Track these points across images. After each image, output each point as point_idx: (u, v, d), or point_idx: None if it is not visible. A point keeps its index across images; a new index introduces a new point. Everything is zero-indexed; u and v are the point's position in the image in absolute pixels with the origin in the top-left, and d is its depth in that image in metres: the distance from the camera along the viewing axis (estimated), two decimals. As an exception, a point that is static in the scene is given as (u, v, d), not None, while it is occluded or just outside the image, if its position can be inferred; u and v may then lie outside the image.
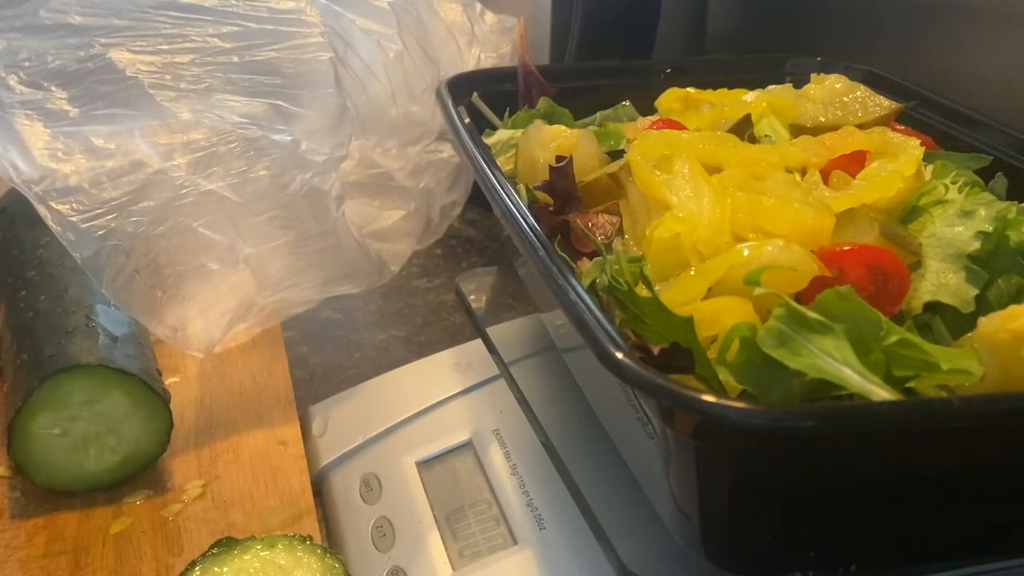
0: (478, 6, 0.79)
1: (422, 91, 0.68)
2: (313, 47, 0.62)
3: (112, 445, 0.54)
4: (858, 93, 0.59)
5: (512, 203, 0.46)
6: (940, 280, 0.41)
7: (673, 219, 0.42)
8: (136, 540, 0.51)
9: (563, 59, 0.84)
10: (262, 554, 0.46)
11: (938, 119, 0.59)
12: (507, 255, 0.86)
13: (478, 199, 0.70)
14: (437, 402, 0.59)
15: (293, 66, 0.61)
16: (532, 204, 0.48)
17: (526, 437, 0.54)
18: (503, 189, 0.47)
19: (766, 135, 0.55)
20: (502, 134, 0.59)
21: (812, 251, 0.40)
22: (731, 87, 0.63)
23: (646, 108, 0.63)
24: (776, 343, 0.34)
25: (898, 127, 0.55)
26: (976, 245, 0.41)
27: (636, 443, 0.48)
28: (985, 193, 0.45)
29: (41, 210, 0.54)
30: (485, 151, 0.52)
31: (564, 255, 0.43)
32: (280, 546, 0.46)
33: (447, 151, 0.74)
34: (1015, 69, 0.68)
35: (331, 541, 0.54)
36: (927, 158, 0.49)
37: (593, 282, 0.42)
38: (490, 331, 0.62)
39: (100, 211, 0.55)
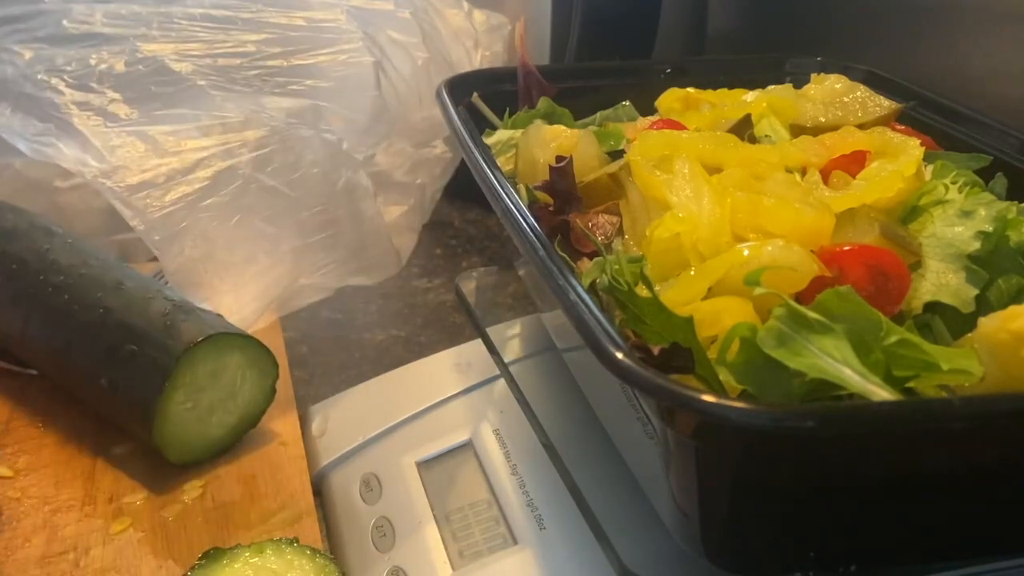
0: (466, 5, 0.80)
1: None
2: (356, 52, 0.68)
3: (230, 408, 0.56)
4: (858, 93, 0.59)
5: (512, 203, 0.46)
6: (940, 280, 0.41)
7: (673, 219, 0.42)
8: (136, 541, 0.51)
9: (563, 59, 0.84)
10: (252, 561, 0.46)
11: (938, 119, 0.59)
12: (507, 255, 0.86)
13: (478, 199, 0.70)
14: (437, 402, 0.59)
15: (342, 69, 0.67)
16: (532, 204, 0.48)
17: (526, 437, 0.54)
18: (503, 189, 0.47)
19: (766, 135, 0.55)
20: (502, 134, 0.59)
21: (812, 251, 0.40)
22: (731, 87, 0.63)
23: (646, 108, 0.63)
24: (776, 343, 0.34)
25: (898, 127, 0.55)
26: (976, 245, 0.41)
27: (636, 443, 0.48)
28: (985, 193, 0.45)
29: (118, 205, 0.58)
30: (485, 151, 0.52)
31: (564, 255, 0.43)
32: (269, 551, 0.46)
33: (440, 147, 0.77)
34: (1015, 69, 0.68)
35: (331, 541, 0.54)
36: (927, 158, 0.49)
37: (593, 282, 0.42)
38: (490, 331, 0.62)
39: (175, 206, 0.60)
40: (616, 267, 0.41)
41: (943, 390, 0.36)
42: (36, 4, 0.70)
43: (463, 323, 0.75)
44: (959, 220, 0.43)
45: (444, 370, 0.62)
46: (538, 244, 0.42)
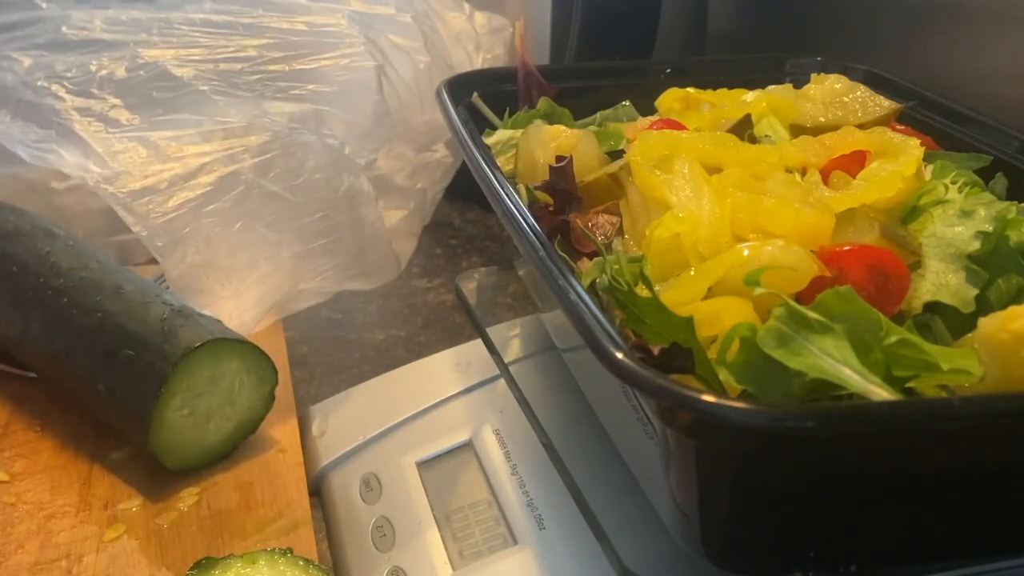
0: (467, 7, 0.80)
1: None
2: (358, 56, 0.68)
3: (227, 414, 0.56)
4: (858, 93, 0.59)
5: (512, 203, 0.46)
6: (940, 280, 0.41)
7: (673, 219, 0.42)
8: (130, 548, 0.50)
9: (563, 59, 0.84)
10: (244, 571, 0.45)
11: (938, 119, 0.59)
12: (507, 255, 0.86)
13: (478, 199, 0.70)
14: (437, 402, 0.59)
15: (344, 73, 0.67)
16: (532, 204, 0.48)
17: (526, 437, 0.54)
18: (503, 189, 0.47)
19: (766, 135, 0.55)
20: (502, 134, 0.59)
21: (812, 251, 0.40)
22: (731, 87, 0.63)
23: (646, 108, 0.63)
24: (776, 343, 0.34)
25: (898, 127, 0.55)
26: (976, 245, 0.41)
27: (636, 443, 0.48)
28: (985, 193, 0.45)
29: (120, 211, 0.58)
30: (485, 151, 0.52)
31: (564, 255, 0.43)
32: (262, 562, 0.46)
33: (441, 151, 0.76)
34: (1015, 69, 0.68)
35: (331, 541, 0.54)
36: (927, 158, 0.49)
37: (593, 282, 0.42)
38: (490, 331, 0.62)
39: (178, 212, 0.59)
40: (616, 267, 0.41)
41: (943, 390, 0.36)
42: (34, 11, 0.70)
43: (463, 323, 0.75)
44: (959, 220, 0.43)
45: (444, 370, 0.62)
46: (538, 244, 0.42)
